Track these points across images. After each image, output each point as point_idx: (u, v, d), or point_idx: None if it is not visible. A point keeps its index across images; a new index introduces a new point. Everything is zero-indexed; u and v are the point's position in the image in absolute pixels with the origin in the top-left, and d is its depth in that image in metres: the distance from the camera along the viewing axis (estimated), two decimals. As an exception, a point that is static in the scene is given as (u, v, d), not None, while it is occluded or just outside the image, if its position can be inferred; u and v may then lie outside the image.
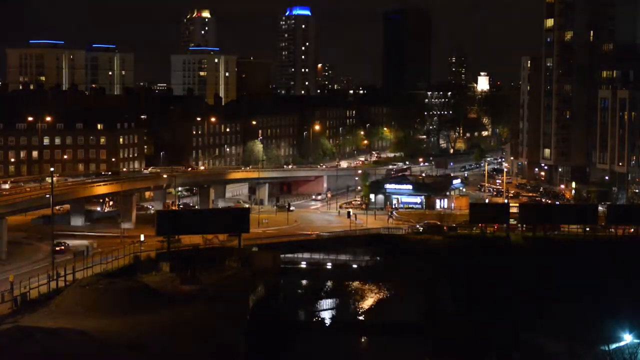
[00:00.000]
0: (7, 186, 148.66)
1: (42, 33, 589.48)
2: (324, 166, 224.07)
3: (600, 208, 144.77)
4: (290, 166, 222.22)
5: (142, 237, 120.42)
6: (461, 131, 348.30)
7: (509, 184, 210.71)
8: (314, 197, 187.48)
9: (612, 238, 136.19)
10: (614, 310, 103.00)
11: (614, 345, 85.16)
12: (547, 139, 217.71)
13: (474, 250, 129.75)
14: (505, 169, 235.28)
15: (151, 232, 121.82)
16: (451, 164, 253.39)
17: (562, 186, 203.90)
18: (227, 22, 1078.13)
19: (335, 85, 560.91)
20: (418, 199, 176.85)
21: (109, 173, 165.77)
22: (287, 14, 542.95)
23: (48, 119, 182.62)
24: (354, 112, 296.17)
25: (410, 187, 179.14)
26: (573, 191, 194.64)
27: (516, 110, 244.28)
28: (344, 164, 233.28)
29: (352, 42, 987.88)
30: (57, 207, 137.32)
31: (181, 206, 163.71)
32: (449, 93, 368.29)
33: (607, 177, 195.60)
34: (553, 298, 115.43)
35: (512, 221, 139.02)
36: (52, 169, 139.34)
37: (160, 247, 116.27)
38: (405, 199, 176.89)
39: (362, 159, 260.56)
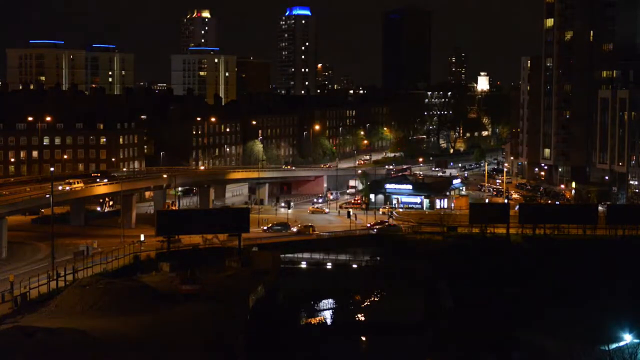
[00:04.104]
0: None
1: (42, 33, 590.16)
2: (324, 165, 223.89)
3: (600, 208, 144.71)
4: (291, 167, 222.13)
5: (142, 237, 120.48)
6: (461, 131, 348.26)
7: (509, 184, 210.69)
8: (314, 200, 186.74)
9: (612, 238, 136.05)
10: (614, 310, 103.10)
11: (614, 345, 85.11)
12: (547, 139, 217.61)
13: (474, 250, 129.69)
14: (505, 169, 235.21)
15: (151, 232, 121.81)
16: (451, 164, 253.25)
17: (562, 186, 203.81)
18: (227, 22, 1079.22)
19: (335, 85, 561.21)
20: (418, 199, 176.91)
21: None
22: (287, 14, 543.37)
23: (48, 119, 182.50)
24: (354, 112, 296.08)
25: (410, 187, 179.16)
26: (573, 191, 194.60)
27: (516, 110, 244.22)
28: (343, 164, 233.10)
29: (352, 42, 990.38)
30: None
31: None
32: (449, 93, 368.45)
33: (607, 177, 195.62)
34: (553, 298, 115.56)
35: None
36: (52, 169, 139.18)
37: (160, 247, 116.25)
38: (405, 199, 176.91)
39: (365, 158, 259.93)
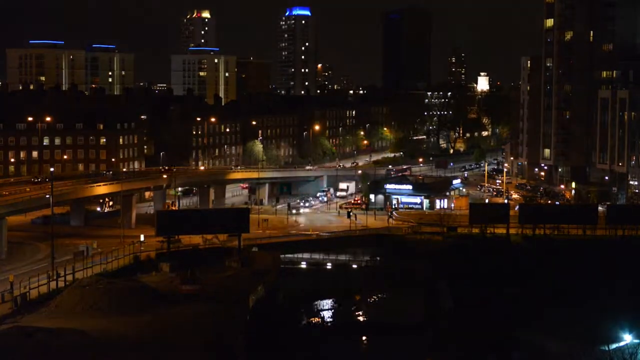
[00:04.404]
0: None
1: (42, 33, 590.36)
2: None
3: (600, 208, 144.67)
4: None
5: (142, 237, 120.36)
6: (461, 131, 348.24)
7: (509, 184, 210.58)
8: (314, 200, 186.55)
9: (612, 238, 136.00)
10: (613, 310, 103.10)
11: (614, 345, 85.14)
12: (547, 139, 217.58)
13: (474, 250, 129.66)
14: (505, 169, 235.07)
15: (151, 232, 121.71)
16: (451, 164, 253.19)
17: (562, 186, 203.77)
18: (227, 22, 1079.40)
19: (335, 85, 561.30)
20: (418, 199, 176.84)
21: (110, 173, 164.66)
22: (287, 14, 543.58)
23: (48, 119, 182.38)
24: (353, 112, 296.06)
25: (410, 187, 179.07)
26: (573, 191, 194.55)
27: (516, 110, 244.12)
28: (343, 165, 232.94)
29: (352, 42, 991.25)
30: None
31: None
32: (449, 93, 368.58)
33: (607, 177, 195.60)
34: (553, 298, 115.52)
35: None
36: (52, 169, 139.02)
37: (160, 247, 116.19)
38: (405, 199, 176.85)
39: (365, 160, 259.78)
